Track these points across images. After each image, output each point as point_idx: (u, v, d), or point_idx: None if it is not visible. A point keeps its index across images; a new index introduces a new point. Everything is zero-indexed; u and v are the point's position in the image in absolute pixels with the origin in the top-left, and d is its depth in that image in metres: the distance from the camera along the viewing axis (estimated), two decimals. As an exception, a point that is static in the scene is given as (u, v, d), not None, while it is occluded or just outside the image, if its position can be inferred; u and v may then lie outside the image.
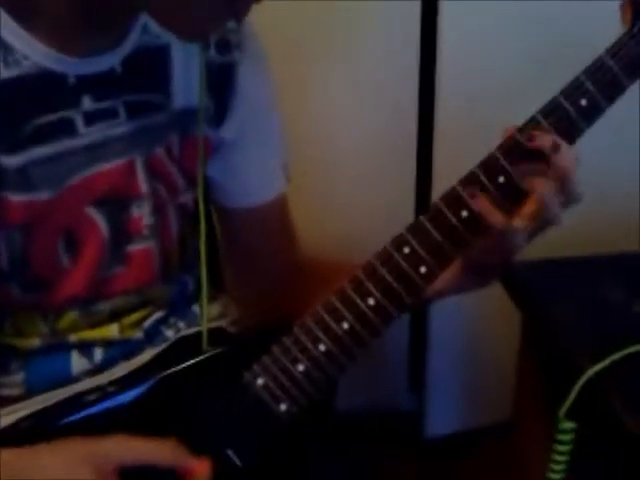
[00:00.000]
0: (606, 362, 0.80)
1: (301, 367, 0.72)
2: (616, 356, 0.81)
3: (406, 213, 1.50)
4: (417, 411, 1.71)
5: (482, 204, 0.68)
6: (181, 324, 0.88)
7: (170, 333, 0.87)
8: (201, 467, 0.69)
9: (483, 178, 0.69)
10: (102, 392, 0.76)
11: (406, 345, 1.69)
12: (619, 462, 0.84)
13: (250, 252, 0.94)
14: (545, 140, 0.67)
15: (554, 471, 0.84)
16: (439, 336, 1.62)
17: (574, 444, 0.79)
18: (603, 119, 0.71)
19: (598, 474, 0.92)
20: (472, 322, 1.60)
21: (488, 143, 0.71)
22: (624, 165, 1.45)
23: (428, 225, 0.70)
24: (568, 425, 0.78)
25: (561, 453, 0.82)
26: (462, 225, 0.70)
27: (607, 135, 1.14)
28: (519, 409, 1.15)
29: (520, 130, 0.69)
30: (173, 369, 0.75)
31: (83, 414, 0.73)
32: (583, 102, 0.69)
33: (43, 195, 0.73)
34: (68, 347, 0.81)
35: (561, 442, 0.78)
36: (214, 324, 0.89)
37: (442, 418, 1.71)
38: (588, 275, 1.03)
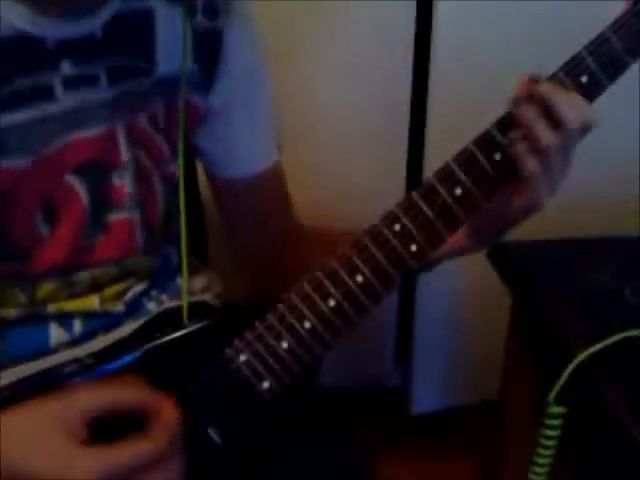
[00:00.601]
0: (596, 347, 0.79)
1: (285, 344, 0.70)
2: (607, 342, 0.80)
3: (397, 184, 1.49)
4: (403, 387, 1.71)
5: (520, 148, 0.65)
6: (164, 297, 0.87)
7: (152, 306, 0.85)
8: (169, 404, 0.66)
9: (479, 155, 0.67)
10: (80, 364, 0.74)
11: (394, 320, 1.68)
12: (606, 448, 0.83)
13: (246, 221, 0.92)
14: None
15: (541, 455, 0.83)
16: (427, 311, 1.61)
17: (562, 429, 0.78)
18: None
19: (584, 459, 0.91)
20: (460, 299, 1.60)
21: (481, 117, 0.69)
22: (625, 146, 1.43)
23: (420, 202, 0.68)
24: (557, 410, 0.77)
25: (549, 438, 0.80)
26: (455, 203, 0.68)
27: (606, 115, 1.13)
28: (506, 389, 1.14)
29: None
30: (153, 343, 0.73)
31: (61, 385, 0.71)
32: (584, 79, 0.67)
33: (20, 162, 0.71)
34: (47, 318, 0.79)
35: (549, 427, 0.77)
36: (197, 298, 0.87)
37: (428, 394, 1.71)
38: (581, 258, 1.01)
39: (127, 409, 0.65)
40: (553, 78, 0.66)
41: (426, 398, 1.70)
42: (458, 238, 0.73)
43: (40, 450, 0.62)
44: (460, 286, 1.54)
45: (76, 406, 0.64)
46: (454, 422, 1.67)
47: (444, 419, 1.68)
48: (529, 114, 0.65)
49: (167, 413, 0.66)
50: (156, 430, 0.65)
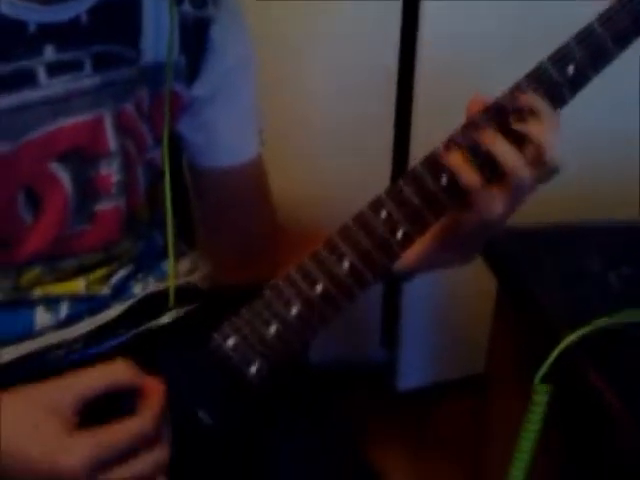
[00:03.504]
0: (583, 331, 0.79)
1: (273, 329, 0.70)
2: (592, 327, 0.80)
3: (383, 176, 1.49)
4: (389, 364, 1.71)
5: (456, 160, 0.66)
6: (150, 280, 0.86)
7: (138, 289, 0.85)
8: (156, 384, 0.67)
9: (464, 144, 0.67)
10: (68, 348, 0.74)
11: (380, 298, 1.69)
12: (592, 432, 0.84)
13: (221, 213, 0.92)
14: (531, 100, 0.66)
15: (528, 430, 0.83)
16: (413, 290, 1.61)
17: (548, 409, 0.79)
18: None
19: (570, 442, 0.92)
20: (447, 276, 1.59)
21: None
22: (623, 129, 1.43)
23: (406, 189, 0.68)
24: (543, 388, 0.78)
25: (535, 414, 0.81)
26: (441, 190, 0.68)
27: (606, 99, 1.13)
28: (492, 367, 1.15)
29: (504, 95, 0.67)
30: (140, 328, 0.72)
31: (48, 368, 0.71)
32: (570, 69, 0.67)
33: (2, 148, 0.70)
34: (32, 302, 0.79)
35: (535, 403, 0.78)
36: (183, 280, 0.87)
37: (414, 370, 1.71)
38: (567, 243, 1.01)
39: (117, 390, 0.65)
40: (538, 69, 0.67)
41: (412, 374, 1.71)
42: (424, 250, 0.73)
43: (32, 436, 0.62)
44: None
45: (71, 392, 0.64)
46: (440, 397, 1.68)
47: (430, 394, 1.69)
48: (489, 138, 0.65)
49: (154, 393, 0.66)
50: (143, 411, 0.65)
